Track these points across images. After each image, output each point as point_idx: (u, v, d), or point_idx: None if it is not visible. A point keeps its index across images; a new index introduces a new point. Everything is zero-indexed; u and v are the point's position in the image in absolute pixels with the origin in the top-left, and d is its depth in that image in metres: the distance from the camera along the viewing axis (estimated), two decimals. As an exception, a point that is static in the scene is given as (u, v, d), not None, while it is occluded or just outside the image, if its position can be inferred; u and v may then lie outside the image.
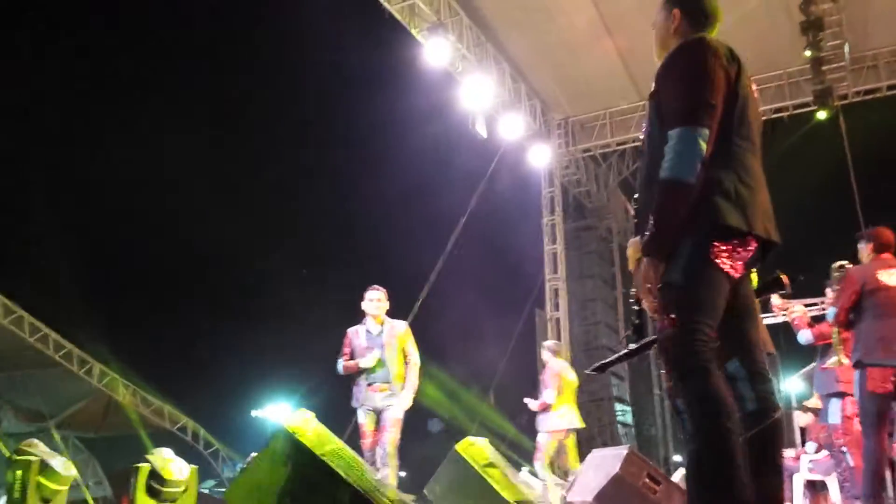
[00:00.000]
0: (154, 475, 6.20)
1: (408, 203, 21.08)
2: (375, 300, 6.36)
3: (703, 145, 2.38)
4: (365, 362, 6.16)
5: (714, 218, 2.42)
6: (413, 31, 10.78)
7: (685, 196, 2.38)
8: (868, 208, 11.47)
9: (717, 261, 2.44)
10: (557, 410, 7.89)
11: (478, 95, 11.61)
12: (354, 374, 6.26)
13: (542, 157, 13.79)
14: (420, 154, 16.96)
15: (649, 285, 2.43)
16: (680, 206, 2.38)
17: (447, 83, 11.69)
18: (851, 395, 5.46)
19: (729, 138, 2.51)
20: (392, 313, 6.52)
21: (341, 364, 6.30)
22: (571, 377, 8.27)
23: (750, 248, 2.51)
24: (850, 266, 5.39)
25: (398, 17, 10.62)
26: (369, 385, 6.17)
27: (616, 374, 17.09)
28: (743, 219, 2.44)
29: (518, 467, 8.54)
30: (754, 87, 2.70)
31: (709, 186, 2.42)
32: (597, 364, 2.96)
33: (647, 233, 2.44)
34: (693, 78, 2.47)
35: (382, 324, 6.34)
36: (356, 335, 6.35)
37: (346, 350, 6.34)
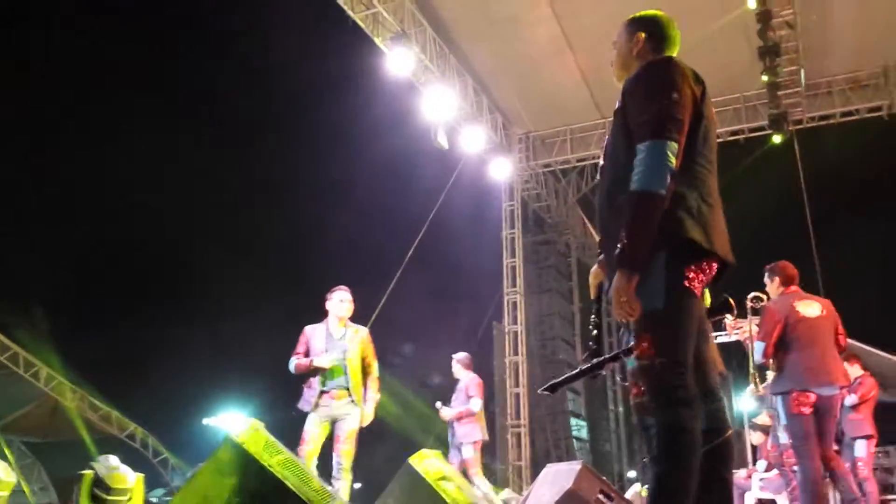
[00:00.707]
0: (98, 483, 6.07)
1: (366, 212, 20.99)
2: (347, 301, 6.07)
3: (673, 158, 2.39)
4: (319, 361, 5.82)
5: (677, 231, 2.43)
6: (376, 40, 10.77)
7: (656, 207, 2.37)
8: (820, 231, 11.75)
9: (689, 287, 2.45)
10: (480, 421, 7.84)
11: (440, 107, 11.62)
12: (306, 375, 5.92)
13: (502, 171, 13.85)
14: (380, 164, 16.91)
15: (624, 298, 2.37)
16: (652, 216, 2.37)
17: (409, 94, 11.69)
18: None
19: (693, 157, 2.53)
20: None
21: (294, 362, 5.93)
22: None
23: (712, 268, 2.54)
24: (766, 299, 5.59)
25: (361, 25, 10.61)
26: (326, 392, 5.84)
27: (572, 388, 17.16)
28: (705, 237, 2.46)
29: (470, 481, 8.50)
30: (714, 111, 2.73)
31: (673, 202, 2.43)
32: (548, 384, 2.94)
33: (618, 246, 2.40)
34: (662, 93, 2.48)
35: (346, 327, 6.08)
36: (314, 334, 6.02)
37: (301, 349, 5.99)
